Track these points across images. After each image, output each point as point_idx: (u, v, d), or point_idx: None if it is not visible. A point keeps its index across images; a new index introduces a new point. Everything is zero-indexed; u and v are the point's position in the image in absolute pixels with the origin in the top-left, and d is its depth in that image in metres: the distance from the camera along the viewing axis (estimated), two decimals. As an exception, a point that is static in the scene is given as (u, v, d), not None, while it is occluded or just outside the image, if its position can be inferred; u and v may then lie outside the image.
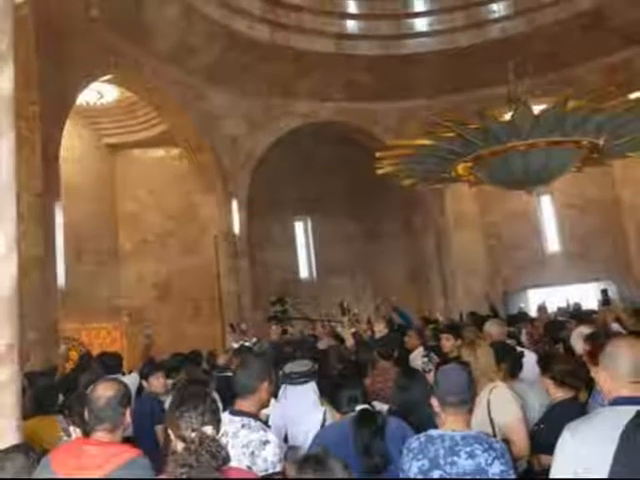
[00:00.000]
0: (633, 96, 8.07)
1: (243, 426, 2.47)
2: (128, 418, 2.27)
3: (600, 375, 1.93)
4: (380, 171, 9.75)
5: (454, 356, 3.95)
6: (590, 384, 3.06)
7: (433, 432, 2.24)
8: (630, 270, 12.36)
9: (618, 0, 9.93)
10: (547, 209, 14.00)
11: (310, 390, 3.43)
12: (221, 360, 5.95)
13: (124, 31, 8.90)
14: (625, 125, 8.08)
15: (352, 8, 11.14)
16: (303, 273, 14.67)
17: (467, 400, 2.25)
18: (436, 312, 10.91)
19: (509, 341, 4.42)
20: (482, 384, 3.02)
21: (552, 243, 13.91)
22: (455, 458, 2.13)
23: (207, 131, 11.01)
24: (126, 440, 2.41)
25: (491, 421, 2.91)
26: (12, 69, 3.11)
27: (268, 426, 2.62)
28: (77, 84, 8.38)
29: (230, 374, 4.01)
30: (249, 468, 2.32)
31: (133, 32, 9.05)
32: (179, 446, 1.90)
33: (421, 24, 11.29)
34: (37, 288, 6.37)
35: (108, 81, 9.62)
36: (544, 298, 10.46)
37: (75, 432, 2.69)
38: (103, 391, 2.23)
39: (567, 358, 3.56)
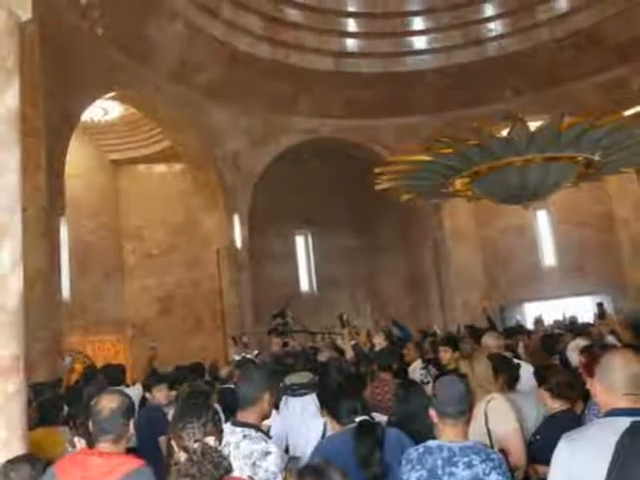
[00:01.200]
0: (628, 113, 8.18)
1: (245, 437, 2.47)
2: (132, 429, 2.30)
3: (595, 387, 1.96)
4: (379, 186, 9.83)
5: (452, 368, 3.98)
6: (586, 396, 3.09)
7: (431, 443, 2.25)
8: (625, 283, 12.40)
9: (613, 19, 10.09)
10: (543, 223, 14.06)
11: (310, 401, 3.47)
12: (223, 372, 5.97)
13: (128, 49, 9.03)
14: (620, 141, 8.18)
15: (352, 27, 11.29)
16: (304, 286, 14.70)
17: (465, 411, 2.27)
18: (434, 325, 10.95)
19: (506, 353, 4.45)
20: (479, 395, 3.04)
21: (548, 257, 13.95)
22: (453, 469, 2.14)
23: (209, 147, 11.10)
24: (130, 451, 2.43)
25: (488, 432, 2.92)
26: (18, 86, 3.12)
27: (269, 437, 2.65)
28: (82, 101, 8.48)
29: (232, 386, 4.04)
30: (251, 478, 2.33)
31: (137, 50, 9.18)
32: (182, 457, 1.93)
33: (420, 42, 11.44)
34: (42, 301, 6.40)
35: (112, 98, 9.74)
36: (541, 311, 10.50)
37: (80, 443, 2.72)
38: (107, 403, 2.24)
39: (563, 370, 3.59)
